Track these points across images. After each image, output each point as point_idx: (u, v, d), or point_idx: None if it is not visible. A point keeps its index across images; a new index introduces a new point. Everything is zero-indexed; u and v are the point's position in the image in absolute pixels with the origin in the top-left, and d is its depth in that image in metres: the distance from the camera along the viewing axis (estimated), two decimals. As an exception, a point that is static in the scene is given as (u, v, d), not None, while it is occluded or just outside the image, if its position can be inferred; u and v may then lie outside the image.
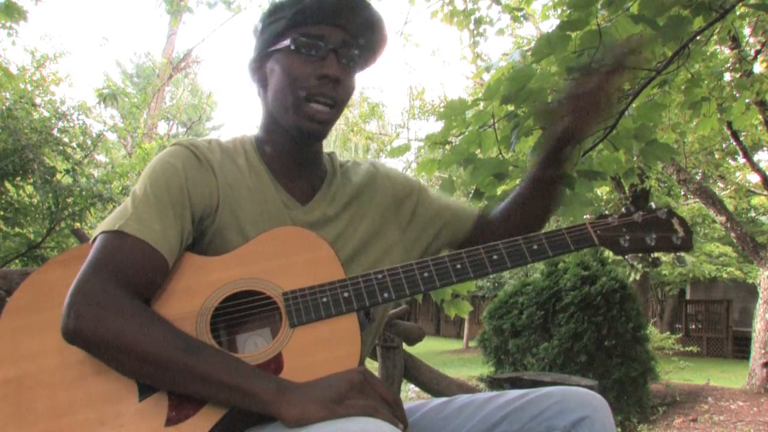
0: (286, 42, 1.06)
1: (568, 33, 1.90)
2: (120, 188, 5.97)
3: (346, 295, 0.99)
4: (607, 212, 1.13)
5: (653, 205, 1.13)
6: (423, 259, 1.04)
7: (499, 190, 2.11)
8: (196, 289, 0.98)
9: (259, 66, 1.13)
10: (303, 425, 0.81)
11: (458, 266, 1.03)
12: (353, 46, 1.09)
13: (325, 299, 0.98)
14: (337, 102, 1.08)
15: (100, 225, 1.00)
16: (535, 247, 1.06)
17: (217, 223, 1.05)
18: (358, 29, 1.09)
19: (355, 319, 0.98)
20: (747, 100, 4.09)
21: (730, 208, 10.33)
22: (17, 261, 5.17)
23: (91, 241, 1.00)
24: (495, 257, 1.05)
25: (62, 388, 0.90)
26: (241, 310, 0.99)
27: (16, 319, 0.95)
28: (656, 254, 1.12)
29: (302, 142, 1.12)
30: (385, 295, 1.01)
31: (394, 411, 0.86)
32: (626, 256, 1.12)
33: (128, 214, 0.98)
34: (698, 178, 10.14)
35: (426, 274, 1.03)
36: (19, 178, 5.11)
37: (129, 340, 0.87)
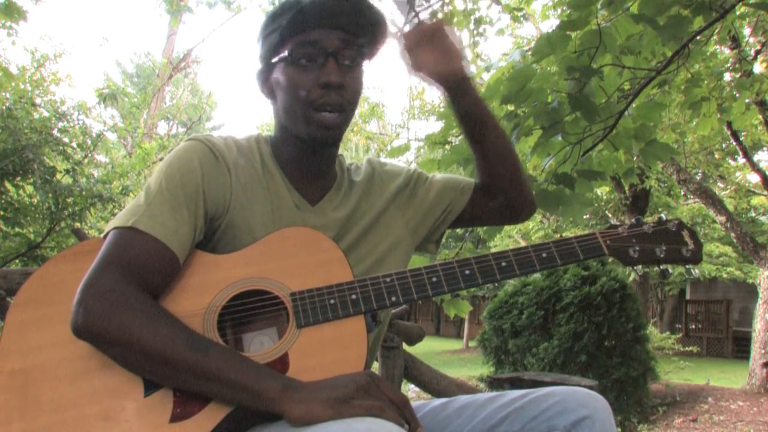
0: (285, 53, 1.05)
1: (568, 33, 1.90)
2: (120, 188, 5.97)
3: (353, 297, 0.99)
4: (615, 221, 1.13)
5: (663, 216, 1.13)
6: (432, 264, 1.04)
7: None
8: (205, 287, 0.98)
9: (265, 78, 1.12)
10: (309, 424, 0.81)
11: (467, 272, 1.03)
12: (353, 44, 1.07)
13: (332, 301, 0.98)
14: (345, 106, 1.07)
15: (113, 219, 1.00)
16: (544, 255, 1.06)
17: (229, 221, 1.05)
18: (356, 25, 1.07)
19: (362, 321, 0.98)
20: (747, 100, 4.09)
21: (730, 208, 10.34)
22: (17, 261, 5.17)
23: (103, 235, 0.99)
24: (504, 264, 1.04)
25: (68, 382, 0.90)
26: (248, 309, 0.98)
27: (25, 311, 0.95)
28: (665, 266, 1.11)
29: (316, 149, 1.12)
30: (393, 298, 1.00)
31: (402, 412, 0.86)
32: (635, 267, 1.12)
33: (141, 209, 0.97)
34: (698, 178, 10.15)
35: (434, 279, 1.02)
36: (19, 178, 5.10)
37: (136, 336, 0.87)
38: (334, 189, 1.18)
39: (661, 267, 1.12)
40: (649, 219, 1.16)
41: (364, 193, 1.21)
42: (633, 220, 1.13)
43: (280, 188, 1.11)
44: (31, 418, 0.87)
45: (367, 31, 1.09)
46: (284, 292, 0.98)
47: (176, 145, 1.11)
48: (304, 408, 0.82)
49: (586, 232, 1.11)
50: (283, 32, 1.04)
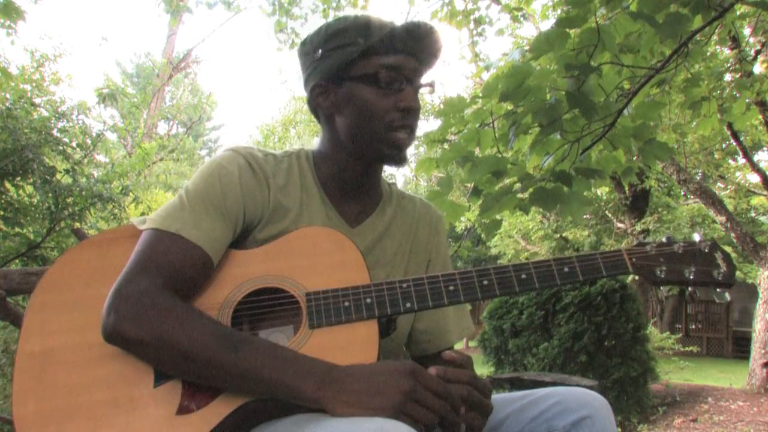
0: (367, 72, 1.06)
1: (566, 31, 1.89)
2: (120, 188, 5.96)
3: (368, 301, 0.98)
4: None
5: (697, 237, 1.10)
6: (449, 272, 1.03)
7: (496, 188, 2.11)
8: (222, 282, 0.99)
9: (323, 92, 1.12)
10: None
11: (485, 282, 1.01)
12: (421, 72, 1.12)
13: (347, 303, 0.97)
14: (414, 129, 1.11)
15: (150, 219, 1.00)
16: (566, 269, 1.03)
17: (258, 233, 1.06)
18: (426, 57, 1.13)
19: (375, 326, 0.97)
20: (747, 101, 4.08)
21: (730, 208, 10.33)
22: (17, 261, 5.16)
23: (141, 233, 0.99)
24: (524, 276, 1.02)
25: (82, 367, 0.92)
26: (263, 306, 0.99)
27: (48, 294, 0.98)
28: (694, 288, 1.08)
29: (371, 168, 1.14)
30: (408, 305, 0.99)
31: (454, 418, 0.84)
32: (661, 287, 1.10)
33: (185, 215, 0.99)
34: (698, 178, 10.14)
35: (451, 287, 1.01)
36: (19, 178, 5.10)
37: (168, 339, 0.88)
38: (378, 213, 1.18)
39: (690, 289, 1.08)
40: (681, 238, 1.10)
41: (418, 236, 1.21)
42: (664, 239, 1.09)
43: (317, 206, 1.12)
44: (46, 400, 0.90)
45: (431, 61, 1.14)
46: (300, 292, 0.98)
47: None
48: (349, 412, 0.81)
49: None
50: (364, 50, 1.05)
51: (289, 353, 0.89)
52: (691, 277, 1.05)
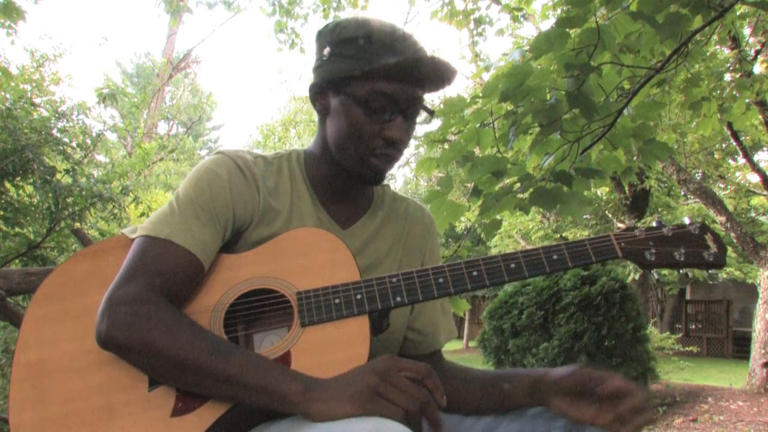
0: (359, 94, 1.03)
1: (566, 30, 1.89)
2: (120, 188, 5.96)
3: (358, 297, 0.98)
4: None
5: (686, 220, 1.09)
6: (438, 265, 1.03)
7: (496, 188, 2.11)
8: (214, 286, 1.00)
9: (321, 93, 1.10)
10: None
11: (474, 273, 1.01)
12: (421, 100, 1.08)
13: (337, 300, 0.98)
14: (396, 158, 1.09)
15: (142, 226, 1.01)
16: (555, 257, 1.02)
17: (250, 235, 1.06)
18: (431, 85, 1.09)
19: (365, 321, 0.98)
20: (747, 101, 4.08)
21: (730, 208, 10.33)
22: (17, 261, 5.16)
23: (134, 238, 1.00)
24: (513, 266, 1.01)
25: (78, 374, 0.93)
26: (255, 308, 0.99)
27: (43, 306, 0.99)
28: (685, 270, 1.07)
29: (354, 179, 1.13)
30: (398, 299, 0.99)
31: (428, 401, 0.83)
32: (652, 270, 1.09)
33: (175, 220, 0.99)
34: (698, 178, 10.14)
35: (441, 280, 1.01)
36: (19, 178, 5.10)
37: (158, 346, 0.88)
38: (369, 215, 1.18)
39: (681, 271, 1.07)
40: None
41: (409, 238, 1.21)
42: (653, 223, 1.08)
43: (308, 209, 1.12)
44: (42, 408, 0.91)
45: (436, 88, 1.10)
46: (291, 291, 0.99)
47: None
48: (326, 407, 0.81)
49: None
50: (366, 69, 1.02)
51: (273, 363, 0.89)
52: (682, 259, 1.04)
